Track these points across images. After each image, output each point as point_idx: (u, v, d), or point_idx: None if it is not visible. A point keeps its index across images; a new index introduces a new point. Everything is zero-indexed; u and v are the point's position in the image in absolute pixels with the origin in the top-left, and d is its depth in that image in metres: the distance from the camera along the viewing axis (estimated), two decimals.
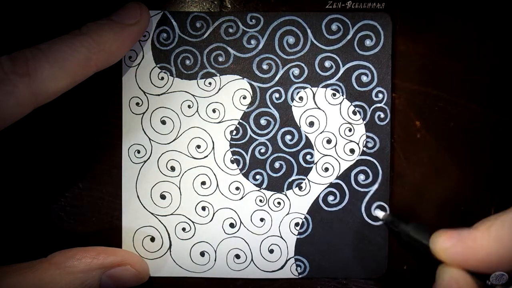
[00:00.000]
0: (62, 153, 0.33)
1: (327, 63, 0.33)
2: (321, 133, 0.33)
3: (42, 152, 0.33)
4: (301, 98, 0.33)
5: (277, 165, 0.33)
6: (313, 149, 0.33)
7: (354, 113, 0.33)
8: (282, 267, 0.33)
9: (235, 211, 0.33)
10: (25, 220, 0.33)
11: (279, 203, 0.33)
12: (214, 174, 0.33)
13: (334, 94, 0.33)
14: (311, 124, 0.33)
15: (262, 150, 0.33)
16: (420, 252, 0.28)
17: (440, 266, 0.27)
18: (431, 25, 0.33)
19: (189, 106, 0.33)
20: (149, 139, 0.33)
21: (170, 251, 0.33)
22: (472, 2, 0.33)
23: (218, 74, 0.33)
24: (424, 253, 0.28)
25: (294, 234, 0.33)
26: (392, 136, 0.33)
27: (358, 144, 0.33)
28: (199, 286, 0.33)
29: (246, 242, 0.33)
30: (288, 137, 0.33)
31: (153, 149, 0.33)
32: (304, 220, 0.33)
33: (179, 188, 0.33)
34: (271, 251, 0.33)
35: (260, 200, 0.33)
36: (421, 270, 0.33)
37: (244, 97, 0.33)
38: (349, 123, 0.33)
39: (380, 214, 0.33)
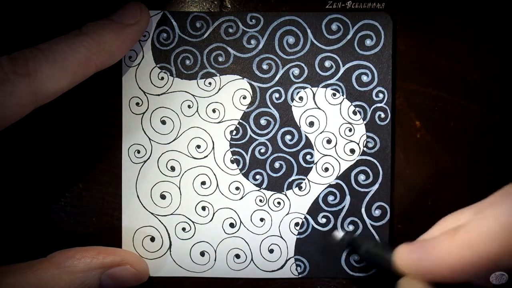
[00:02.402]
0: (62, 153, 0.33)
1: (327, 63, 0.33)
2: (321, 133, 0.33)
3: (42, 152, 0.33)
4: (301, 98, 0.33)
5: (277, 165, 0.33)
6: (313, 149, 0.33)
7: (354, 113, 0.33)
8: (282, 267, 0.33)
9: (235, 211, 0.33)
10: (25, 220, 0.33)
11: (279, 203, 0.33)
12: (214, 174, 0.33)
13: (334, 94, 0.33)
14: (311, 124, 0.33)
15: (262, 150, 0.33)
16: (382, 268, 0.28)
17: (400, 280, 0.27)
18: (431, 25, 0.33)
19: (189, 106, 0.33)
20: (149, 139, 0.33)
21: (170, 251, 0.33)
22: (472, 2, 0.33)
23: (218, 74, 0.33)
24: (387, 268, 0.27)
25: (294, 234, 0.33)
26: (393, 136, 0.33)
27: (358, 144, 0.33)
28: (199, 286, 0.33)
29: (246, 242, 0.33)
30: (288, 137, 0.33)
31: (153, 149, 0.33)
32: (304, 220, 0.33)
33: (179, 188, 0.33)
34: (271, 251, 0.33)
35: (260, 200, 0.33)
36: None
37: (244, 97, 0.33)
38: (349, 123, 0.33)
39: (339, 234, 0.33)
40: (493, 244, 0.24)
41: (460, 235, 0.25)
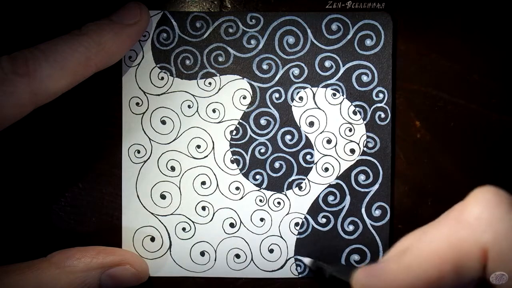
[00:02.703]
0: (62, 153, 0.33)
1: (327, 63, 0.33)
2: (321, 133, 0.33)
3: (42, 152, 0.33)
4: (301, 98, 0.33)
5: (277, 165, 0.33)
6: (313, 149, 0.33)
7: (355, 113, 0.33)
8: (282, 267, 0.33)
9: (235, 211, 0.33)
10: (25, 220, 0.33)
11: (279, 203, 0.33)
12: (214, 174, 0.33)
13: (334, 94, 0.33)
14: (311, 124, 0.33)
15: (262, 150, 0.33)
16: None
17: None
18: (431, 25, 0.33)
19: (189, 106, 0.33)
20: (149, 139, 0.33)
21: (170, 251, 0.33)
22: (472, 2, 0.33)
23: (218, 74, 0.33)
24: None
25: (294, 234, 0.33)
26: (393, 136, 0.33)
27: (358, 144, 0.33)
28: (199, 286, 0.33)
29: (246, 242, 0.33)
30: (288, 137, 0.33)
31: (153, 149, 0.33)
32: (304, 220, 0.33)
33: (179, 188, 0.33)
34: (271, 251, 0.33)
35: (260, 200, 0.33)
36: None
37: (244, 97, 0.33)
38: (349, 123, 0.33)
39: (307, 260, 0.33)
40: (429, 268, 0.23)
41: (403, 258, 0.24)
